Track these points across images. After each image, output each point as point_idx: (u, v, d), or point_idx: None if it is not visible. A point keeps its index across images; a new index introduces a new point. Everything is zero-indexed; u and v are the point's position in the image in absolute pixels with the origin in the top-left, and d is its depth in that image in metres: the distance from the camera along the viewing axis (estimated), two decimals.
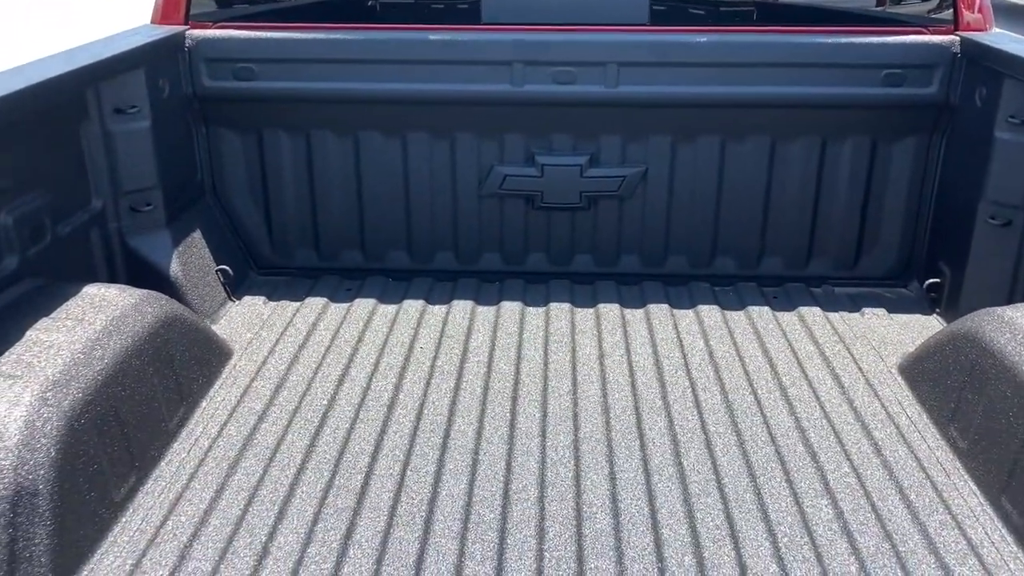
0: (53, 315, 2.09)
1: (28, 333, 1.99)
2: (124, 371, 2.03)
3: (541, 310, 2.91)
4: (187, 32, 2.95)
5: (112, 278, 2.70)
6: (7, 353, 1.91)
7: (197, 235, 2.97)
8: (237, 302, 3.01)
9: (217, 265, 3.00)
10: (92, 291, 2.23)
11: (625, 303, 2.96)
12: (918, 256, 3.09)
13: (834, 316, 2.89)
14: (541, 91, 2.91)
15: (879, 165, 3.03)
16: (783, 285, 3.13)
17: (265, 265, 3.26)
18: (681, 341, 2.70)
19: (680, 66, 2.88)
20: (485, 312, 2.89)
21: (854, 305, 2.98)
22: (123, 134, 2.67)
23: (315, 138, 3.08)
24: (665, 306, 2.92)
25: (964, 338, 2.26)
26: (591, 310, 2.91)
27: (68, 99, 2.47)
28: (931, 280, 2.96)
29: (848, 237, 3.12)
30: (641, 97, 2.92)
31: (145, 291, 2.31)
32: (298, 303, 2.97)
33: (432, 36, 2.89)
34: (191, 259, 2.89)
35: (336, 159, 3.10)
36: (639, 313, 2.89)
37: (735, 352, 2.64)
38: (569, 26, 2.92)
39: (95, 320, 2.09)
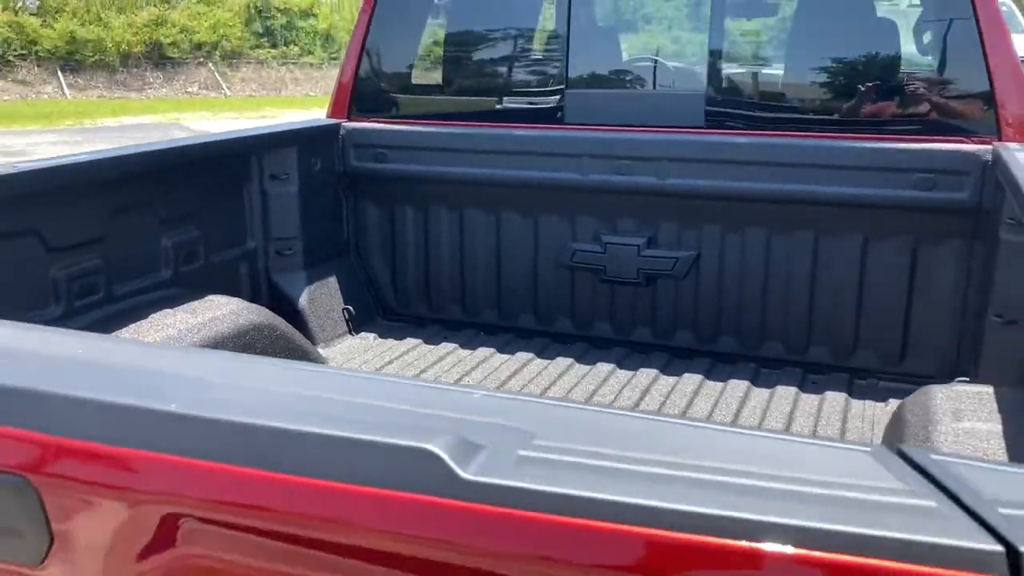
0: (175, 308, 2.91)
1: (151, 316, 2.82)
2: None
3: (591, 369, 3.34)
4: (343, 123, 3.81)
5: (255, 300, 3.54)
6: (130, 326, 2.74)
7: (332, 280, 3.76)
8: (354, 336, 3.74)
9: (345, 306, 3.76)
10: (212, 298, 3.05)
11: (669, 372, 3.31)
12: (964, 357, 3.15)
13: (856, 402, 3.04)
14: (603, 180, 3.42)
15: (922, 266, 3.17)
16: (829, 374, 3.31)
17: (390, 312, 3.98)
18: (687, 408, 3.01)
19: (724, 163, 3.26)
20: (537, 366, 3.38)
21: (885, 396, 3.11)
22: (275, 194, 3.54)
23: (431, 212, 3.79)
24: (697, 377, 3.24)
25: (895, 414, 2.42)
26: (626, 374, 3.29)
27: (233, 161, 3.38)
28: (961, 379, 3.03)
29: (893, 334, 3.26)
30: (689, 189, 3.32)
31: (250, 304, 3.09)
32: (398, 342, 3.65)
33: (518, 132, 3.53)
34: (320, 297, 3.67)
35: (446, 230, 3.79)
36: (666, 382, 3.22)
37: (731, 417, 2.91)
38: (634, 127, 3.43)
39: (201, 315, 2.88)
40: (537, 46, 3.84)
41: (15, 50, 19.15)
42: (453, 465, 0.92)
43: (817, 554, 0.81)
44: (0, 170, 2.49)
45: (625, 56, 4.21)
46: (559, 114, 3.56)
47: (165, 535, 1.07)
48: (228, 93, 21.43)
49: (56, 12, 20.52)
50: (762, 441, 1.03)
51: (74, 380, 1.17)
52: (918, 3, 3.33)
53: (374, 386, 1.18)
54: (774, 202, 3.26)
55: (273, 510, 1.00)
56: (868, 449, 0.96)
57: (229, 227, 3.41)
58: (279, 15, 23.64)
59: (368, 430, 0.98)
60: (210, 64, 21.82)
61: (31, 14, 20.45)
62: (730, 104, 3.37)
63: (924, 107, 3.16)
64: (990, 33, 2.96)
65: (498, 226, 3.72)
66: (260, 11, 23.29)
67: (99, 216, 2.86)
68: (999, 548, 0.78)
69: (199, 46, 21.65)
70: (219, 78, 21.70)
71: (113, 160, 2.85)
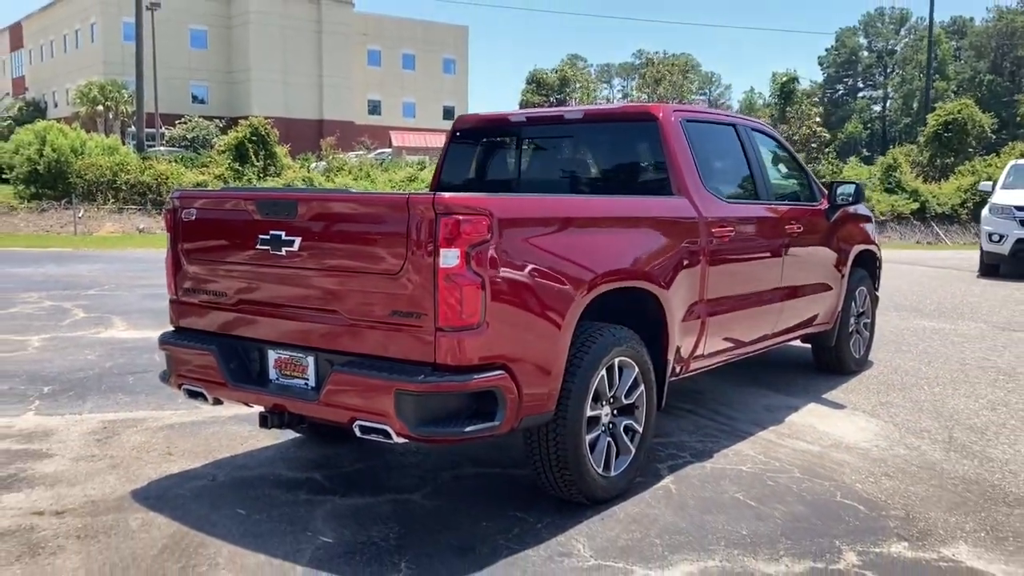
0: None
1: None
2: None
3: None
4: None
5: None
6: None
7: None
8: None
9: None
10: None
11: None
12: None
13: None
14: None
15: None
16: None
17: None
18: None
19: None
20: None
21: None
22: None
23: None
24: None
25: None
26: None
27: None
28: None
29: None
30: None
31: None
32: None
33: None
34: None
35: None
36: None
37: None
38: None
39: None
40: (507, 167, 6.13)
41: None
42: None
43: None
44: None
45: (538, 168, 6.33)
46: (516, 188, 5.88)
47: None
48: None
49: (337, 171, 26.36)
50: None
51: None
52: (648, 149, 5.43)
53: None
54: None
55: None
56: None
57: None
58: None
59: None
60: None
61: (320, 173, 26.43)
62: (575, 186, 5.73)
63: (646, 185, 5.30)
64: (670, 159, 5.03)
65: None
66: None
67: None
68: None
69: None
70: None
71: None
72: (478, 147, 6.14)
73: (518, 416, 3.82)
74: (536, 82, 42.50)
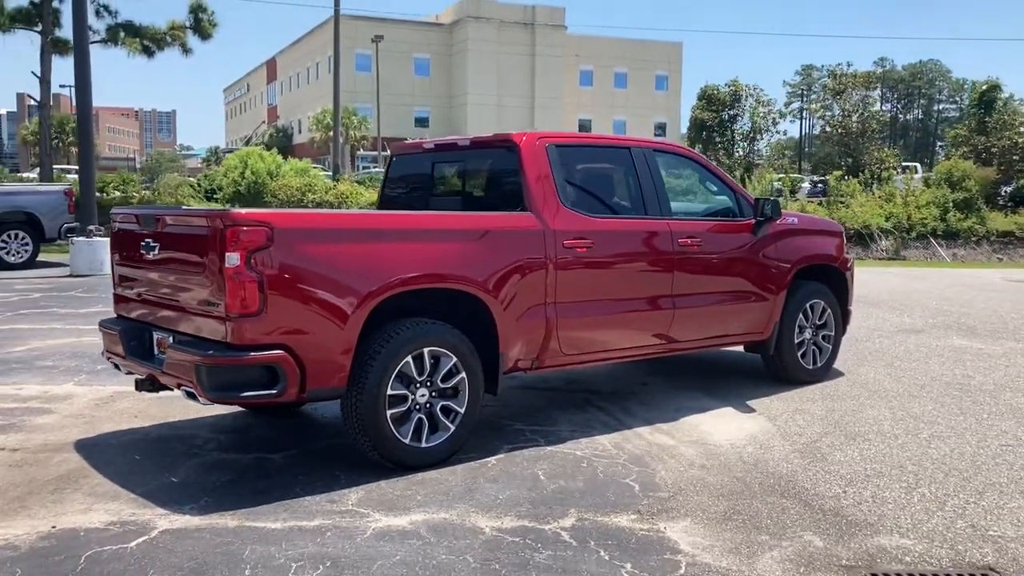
0: None
1: None
2: None
3: None
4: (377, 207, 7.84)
5: None
6: None
7: None
8: None
9: None
10: None
11: None
12: None
13: None
14: None
15: None
16: None
17: None
18: None
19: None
20: None
21: None
22: None
23: None
24: None
25: None
26: None
27: None
28: None
29: None
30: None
31: None
32: None
33: (408, 212, 7.48)
34: None
35: None
36: None
37: None
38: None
39: None
40: (425, 185, 6.86)
41: None
42: None
43: None
44: None
45: (441, 186, 6.98)
46: (428, 207, 6.76)
47: None
48: None
49: None
50: None
51: None
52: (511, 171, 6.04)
53: None
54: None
55: None
56: None
57: None
58: None
59: None
60: None
61: None
62: (463, 202, 6.33)
63: (509, 201, 5.89)
64: (524, 178, 5.76)
65: None
66: None
67: None
68: None
69: None
70: None
71: None
72: (408, 169, 7.11)
73: (303, 388, 4.75)
74: (707, 98, 42.10)
